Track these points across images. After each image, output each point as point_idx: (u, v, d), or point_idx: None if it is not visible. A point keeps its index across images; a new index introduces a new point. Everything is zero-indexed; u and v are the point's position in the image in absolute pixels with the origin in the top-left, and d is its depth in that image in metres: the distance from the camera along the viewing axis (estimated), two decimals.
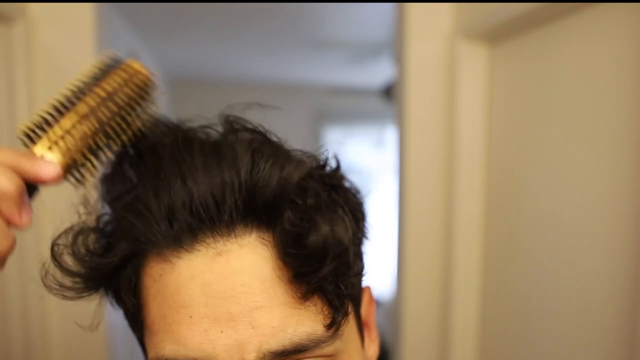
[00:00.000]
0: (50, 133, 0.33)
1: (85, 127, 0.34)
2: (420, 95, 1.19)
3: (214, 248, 0.31)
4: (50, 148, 0.33)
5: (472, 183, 1.14)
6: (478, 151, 1.14)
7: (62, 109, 0.34)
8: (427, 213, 1.22)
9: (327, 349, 0.32)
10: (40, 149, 0.33)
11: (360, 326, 0.41)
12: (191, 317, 0.30)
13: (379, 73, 3.09)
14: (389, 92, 2.67)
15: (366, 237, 0.40)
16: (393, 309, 1.35)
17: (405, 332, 1.24)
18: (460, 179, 1.14)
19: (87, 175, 0.36)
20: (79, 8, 1.10)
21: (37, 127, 0.33)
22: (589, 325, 0.81)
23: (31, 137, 0.33)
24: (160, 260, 0.33)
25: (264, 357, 0.30)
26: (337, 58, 3.03)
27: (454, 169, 1.15)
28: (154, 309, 0.33)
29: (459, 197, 1.14)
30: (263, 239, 0.32)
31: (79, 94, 0.34)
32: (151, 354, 0.33)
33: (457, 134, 1.14)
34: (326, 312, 0.32)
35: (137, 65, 0.37)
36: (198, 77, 3.66)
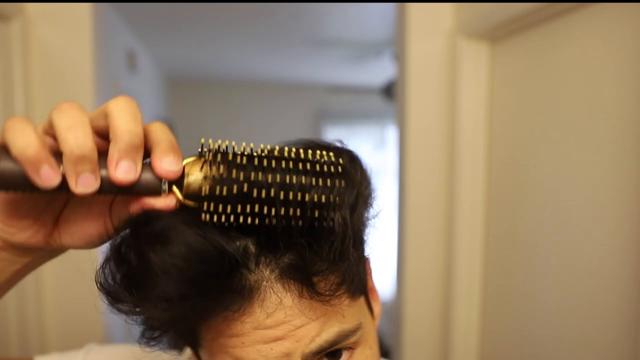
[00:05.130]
0: (217, 161, 0.32)
1: (248, 176, 0.32)
2: (421, 94, 1.19)
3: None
4: (202, 168, 0.32)
5: (473, 182, 1.13)
6: (479, 150, 1.13)
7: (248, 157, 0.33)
8: (427, 212, 1.21)
9: (353, 339, 0.38)
10: (190, 163, 0.33)
11: (368, 298, 0.44)
12: (243, 343, 0.35)
13: (380, 72, 3.08)
14: (390, 91, 2.66)
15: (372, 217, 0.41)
16: (393, 309, 1.35)
17: (405, 332, 1.24)
18: (461, 177, 1.13)
19: (214, 218, 0.33)
20: (76, 7, 1.10)
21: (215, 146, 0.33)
22: (590, 323, 0.80)
23: (202, 150, 0.33)
24: None
25: (306, 358, 0.36)
26: (337, 57, 3.03)
27: (454, 167, 1.15)
28: (209, 335, 0.37)
29: (459, 196, 1.14)
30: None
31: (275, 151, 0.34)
32: None
33: (457, 132, 1.13)
34: (348, 307, 0.38)
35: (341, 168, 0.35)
36: (197, 76, 3.66)
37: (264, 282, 0.35)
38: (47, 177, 0.29)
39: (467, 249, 1.15)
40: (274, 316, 0.35)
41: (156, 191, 0.32)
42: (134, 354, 0.52)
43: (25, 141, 0.28)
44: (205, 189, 0.32)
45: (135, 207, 0.33)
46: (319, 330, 0.36)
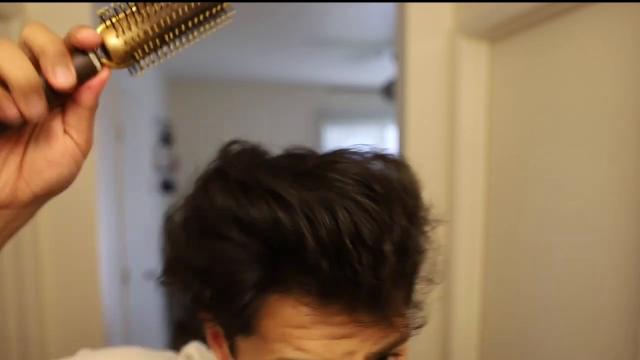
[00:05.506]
0: (117, 20, 0.36)
1: (151, 26, 0.36)
2: (421, 94, 1.19)
3: None
4: (113, 32, 0.36)
5: (473, 181, 1.13)
6: (479, 150, 1.13)
7: (139, 6, 0.36)
8: None
9: (403, 346, 0.41)
10: (102, 29, 0.35)
11: None
12: (311, 335, 0.36)
13: (380, 72, 3.08)
14: (390, 91, 2.66)
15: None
16: None
17: None
18: (461, 177, 1.14)
19: (142, 68, 0.38)
20: (76, 7, 1.10)
21: (111, 12, 0.36)
22: (590, 322, 0.80)
23: (103, 19, 0.36)
24: (285, 295, 0.37)
25: (368, 358, 0.38)
26: (337, 57, 3.03)
27: (454, 167, 1.15)
28: (272, 322, 0.37)
29: (459, 196, 1.14)
30: None
31: None
32: (270, 356, 0.37)
33: (457, 132, 1.13)
34: (406, 316, 0.40)
35: None
36: (197, 76, 3.65)
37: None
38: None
39: (467, 249, 1.15)
40: (343, 315, 0.36)
41: (92, 71, 0.35)
42: (130, 356, 0.51)
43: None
44: (131, 50, 0.36)
45: (82, 96, 0.34)
46: (384, 334, 0.38)
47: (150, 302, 2.64)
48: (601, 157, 0.78)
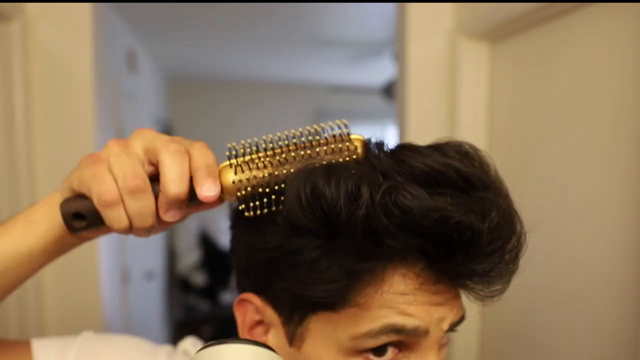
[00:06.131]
0: (242, 161, 0.39)
1: (272, 175, 0.38)
2: (420, 94, 1.19)
3: None
4: (235, 172, 0.39)
5: None
6: None
7: (267, 149, 0.39)
8: None
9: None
10: (226, 167, 0.39)
11: None
12: (415, 301, 0.39)
13: (380, 72, 3.08)
14: (390, 91, 2.66)
15: None
16: None
17: None
18: None
19: (255, 211, 0.40)
20: (76, 7, 1.10)
21: (241, 149, 0.39)
22: (590, 322, 0.80)
23: (231, 154, 0.39)
24: (397, 264, 0.39)
25: (449, 326, 0.42)
26: (337, 57, 3.03)
27: None
28: (376, 290, 0.39)
29: None
30: None
31: (288, 142, 0.39)
32: (371, 324, 0.39)
33: (457, 132, 1.14)
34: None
35: (358, 144, 0.41)
36: (197, 76, 3.65)
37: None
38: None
39: None
40: (439, 284, 0.40)
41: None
42: (131, 346, 0.52)
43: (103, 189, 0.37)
44: (240, 190, 0.39)
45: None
46: (460, 307, 0.43)
47: (150, 302, 2.64)
48: (601, 157, 0.78)
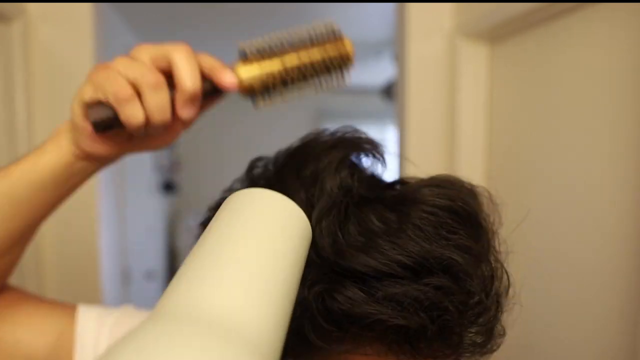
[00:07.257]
0: (255, 58, 0.43)
1: (279, 70, 0.43)
2: (420, 94, 1.19)
3: None
4: (248, 68, 0.43)
5: (473, 181, 1.13)
6: (478, 150, 1.13)
7: (273, 49, 0.43)
8: None
9: None
10: (241, 64, 0.43)
11: None
12: None
13: (380, 72, 3.08)
14: (390, 91, 2.66)
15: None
16: None
17: None
18: (460, 177, 1.14)
19: (265, 102, 0.45)
20: (77, 7, 1.10)
21: (252, 49, 0.43)
22: (590, 321, 0.80)
23: (245, 53, 0.43)
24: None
25: None
26: None
27: (454, 168, 1.15)
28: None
29: None
30: None
31: (289, 45, 0.43)
32: None
33: (457, 132, 1.14)
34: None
35: (348, 48, 0.44)
36: None
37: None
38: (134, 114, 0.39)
39: None
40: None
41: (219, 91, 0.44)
42: None
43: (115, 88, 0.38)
44: (254, 84, 0.44)
45: (205, 106, 0.46)
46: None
47: (151, 302, 2.64)
48: (601, 157, 0.78)
